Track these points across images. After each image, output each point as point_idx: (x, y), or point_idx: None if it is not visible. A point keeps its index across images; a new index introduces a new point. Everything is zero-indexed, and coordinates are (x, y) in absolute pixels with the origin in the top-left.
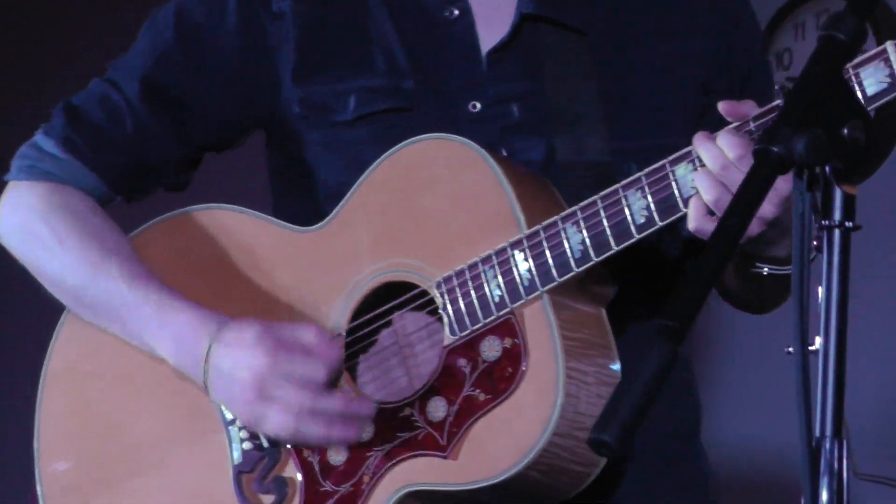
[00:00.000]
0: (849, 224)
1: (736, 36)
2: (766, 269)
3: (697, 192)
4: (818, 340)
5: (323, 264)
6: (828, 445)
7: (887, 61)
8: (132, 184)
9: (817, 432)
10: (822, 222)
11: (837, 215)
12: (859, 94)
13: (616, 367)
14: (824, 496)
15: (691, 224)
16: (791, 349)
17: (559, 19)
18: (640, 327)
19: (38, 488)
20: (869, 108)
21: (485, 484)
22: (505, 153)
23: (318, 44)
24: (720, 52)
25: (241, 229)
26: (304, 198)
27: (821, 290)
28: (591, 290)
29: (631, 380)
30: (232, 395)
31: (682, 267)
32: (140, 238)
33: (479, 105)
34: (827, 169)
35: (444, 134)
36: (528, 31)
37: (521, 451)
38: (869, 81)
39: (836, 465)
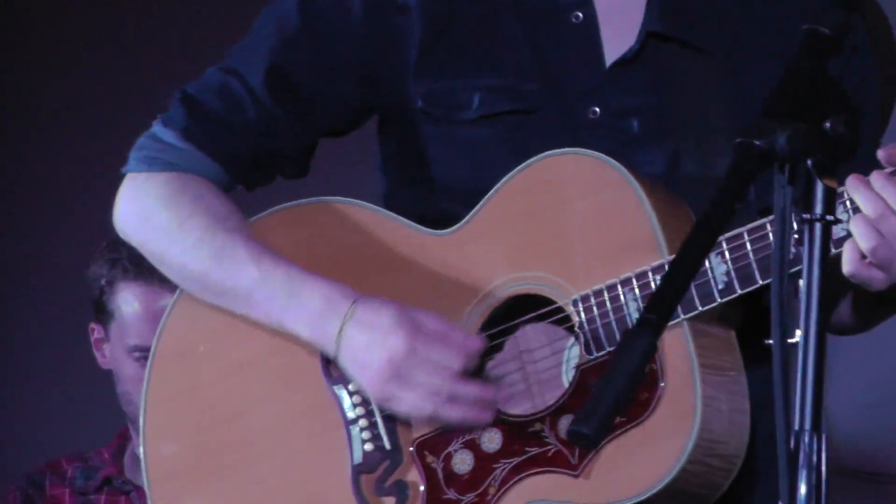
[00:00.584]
0: (829, 218)
1: (853, 61)
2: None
3: (852, 237)
4: (798, 333)
5: (455, 270)
6: (806, 439)
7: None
8: (253, 172)
9: (796, 425)
10: (803, 216)
11: (818, 209)
12: None
13: (746, 392)
14: (802, 489)
15: (846, 268)
16: (770, 341)
17: (686, 39)
18: (753, 352)
19: (144, 468)
20: None
21: None
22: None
23: (444, 39)
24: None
25: (369, 226)
26: (418, 191)
27: (801, 283)
28: (725, 315)
29: (611, 373)
30: (365, 373)
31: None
32: (258, 225)
33: (598, 111)
34: (809, 163)
35: (587, 150)
36: (652, 46)
37: (653, 477)
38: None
39: (814, 459)
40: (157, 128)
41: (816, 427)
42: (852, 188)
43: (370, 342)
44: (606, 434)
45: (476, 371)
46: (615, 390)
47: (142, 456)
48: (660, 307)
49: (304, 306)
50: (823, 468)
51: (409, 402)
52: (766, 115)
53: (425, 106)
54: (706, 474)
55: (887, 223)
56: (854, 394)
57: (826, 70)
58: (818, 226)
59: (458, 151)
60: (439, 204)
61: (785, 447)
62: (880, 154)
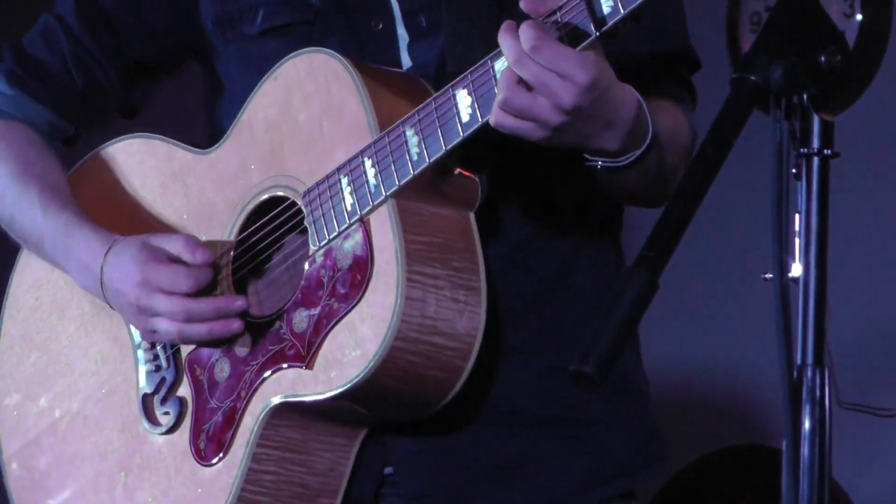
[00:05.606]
0: (827, 152)
1: None
2: (599, 163)
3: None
4: (797, 268)
5: (219, 183)
6: (809, 373)
7: None
8: (80, 109)
9: (798, 360)
10: (801, 150)
11: (816, 143)
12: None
13: (479, 270)
14: (807, 424)
15: (491, 119)
16: (769, 276)
17: None
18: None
19: None
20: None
21: (338, 392)
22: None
23: None
24: None
25: (152, 157)
26: (225, 116)
27: (798, 218)
28: (450, 193)
29: (610, 310)
30: (124, 314)
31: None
32: (81, 171)
33: (381, 24)
34: (804, 97)
35: (317, 48)
36: None
37: (365, 357)
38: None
39: (817, 393)
40: None
41: (819, 361)
42: (500, 35)
43: (119, 283)
44: (608, 372)
45: (240, 279)
46: (612, 327)
47: None
48: (658, 244)
49: (75, 259)
50: (827, 402)
51: (160, 331)
52: (760, 49)
53: (215, 27)
54: (433, 354)
55: (527, 68)
56: (847, 325)
57: (817, 2)
58: (816, 160)
59: (249, 68)
60: None
61: (787, 382)
62: (523, 4)
